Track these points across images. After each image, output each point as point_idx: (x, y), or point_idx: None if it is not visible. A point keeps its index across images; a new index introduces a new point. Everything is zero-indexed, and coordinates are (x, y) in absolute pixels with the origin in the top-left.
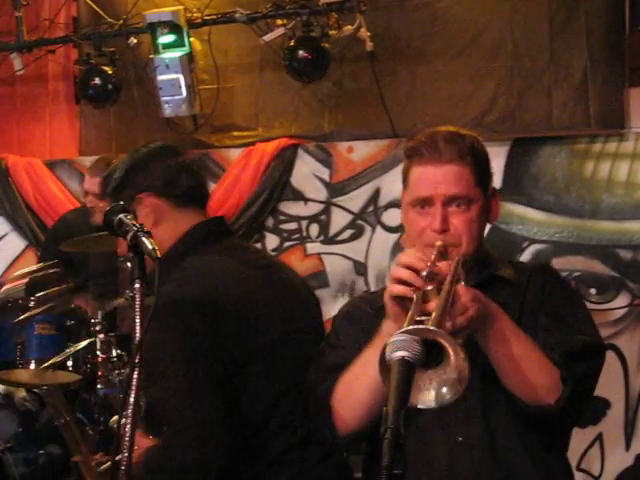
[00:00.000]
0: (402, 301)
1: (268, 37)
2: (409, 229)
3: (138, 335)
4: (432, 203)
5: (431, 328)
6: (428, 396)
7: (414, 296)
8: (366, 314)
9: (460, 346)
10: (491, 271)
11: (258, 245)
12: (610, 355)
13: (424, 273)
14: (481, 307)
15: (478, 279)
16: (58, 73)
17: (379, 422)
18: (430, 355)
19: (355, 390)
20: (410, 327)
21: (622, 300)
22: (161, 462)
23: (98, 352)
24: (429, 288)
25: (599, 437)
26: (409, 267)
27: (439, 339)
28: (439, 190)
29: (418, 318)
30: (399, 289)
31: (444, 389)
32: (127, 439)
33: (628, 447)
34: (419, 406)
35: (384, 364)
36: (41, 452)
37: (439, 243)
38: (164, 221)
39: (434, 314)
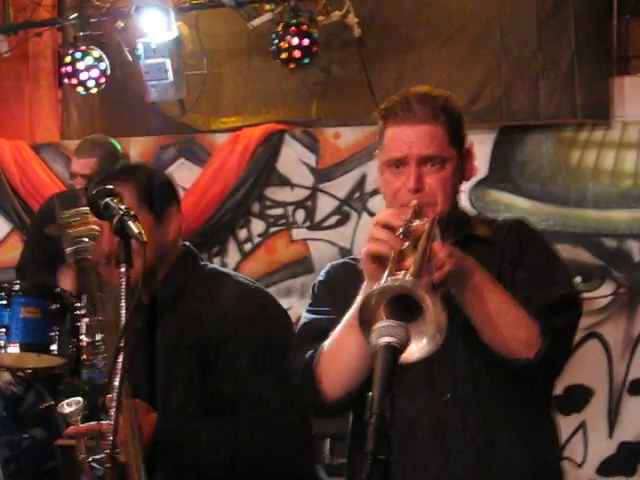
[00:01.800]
0: (379, 260)
1: (256, 22)
2: (385, 190)
3: (123, 319)
4: (406, 163)
5: (407, 282)
6: (409, 350)
7: (391, 254)
8: (344, 280)
9: (437, 297)
10: (467, 230)
11: (244, 230)
12: (594, 343)
13: (400, 230)
14: (457, 262)
15: (454, 238)
16: (40, 54)
17: (365, 388)
18: (408, 309)
19: (340, 355)
20: (387, 282)
21: (606, 289)
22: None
23: (83, 336)
24: (405, 245)
25: (582, 425)
26: (385, 225)
27: (416, 292)
28: (413, 150)
29: (395, 275)
30: (375, 247)
31: (423, 341)
32: (112, 423)
33: (611, 435)
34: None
35: (364, 321)
36: (25, 436)
37: (414, 202)
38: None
39: (411, 270)
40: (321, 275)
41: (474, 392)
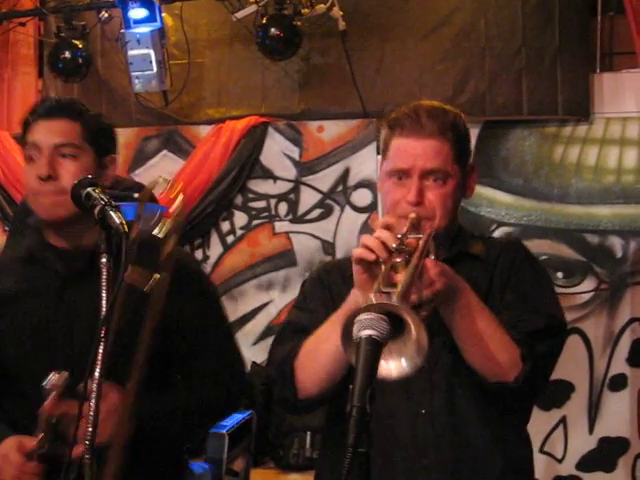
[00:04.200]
0: (370, 270)
1: (240, 14)
2: (385, 199)
3: (104, 310)
4: (409, 175)
5: (394, 303)
6: (387, 367)
7: (382, 266)
8: (336, 280)
9: (422, 321)
10: (461, 247)
11: (227, 223)
12: (575, 339)
13: (394, 245)
14: (448, 281)
15: (448, 254)
16: (22, 44)
17: (339, 391)
18: (392, 327)
19: (318, 355)
20: (374, 300)
21: (588, 284)
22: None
23: None
24: (398, 260)
25: (563, 420)
26: (380, 237)
27: (402, 313)
28: (417, 163)
29: (384, 289)
30: (363, 252)
31: (403, 361)
32: (91, 414)
33: (591, 430)
34: (378, 376)
35: (346, 335)
36: None
37: (413, 215)
38: None
39: (400, 286)
40: (313, 272)
41: (449, 407)
